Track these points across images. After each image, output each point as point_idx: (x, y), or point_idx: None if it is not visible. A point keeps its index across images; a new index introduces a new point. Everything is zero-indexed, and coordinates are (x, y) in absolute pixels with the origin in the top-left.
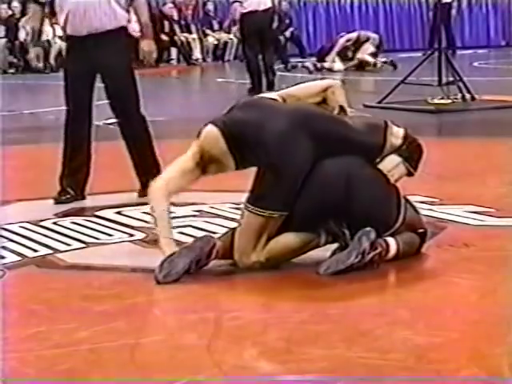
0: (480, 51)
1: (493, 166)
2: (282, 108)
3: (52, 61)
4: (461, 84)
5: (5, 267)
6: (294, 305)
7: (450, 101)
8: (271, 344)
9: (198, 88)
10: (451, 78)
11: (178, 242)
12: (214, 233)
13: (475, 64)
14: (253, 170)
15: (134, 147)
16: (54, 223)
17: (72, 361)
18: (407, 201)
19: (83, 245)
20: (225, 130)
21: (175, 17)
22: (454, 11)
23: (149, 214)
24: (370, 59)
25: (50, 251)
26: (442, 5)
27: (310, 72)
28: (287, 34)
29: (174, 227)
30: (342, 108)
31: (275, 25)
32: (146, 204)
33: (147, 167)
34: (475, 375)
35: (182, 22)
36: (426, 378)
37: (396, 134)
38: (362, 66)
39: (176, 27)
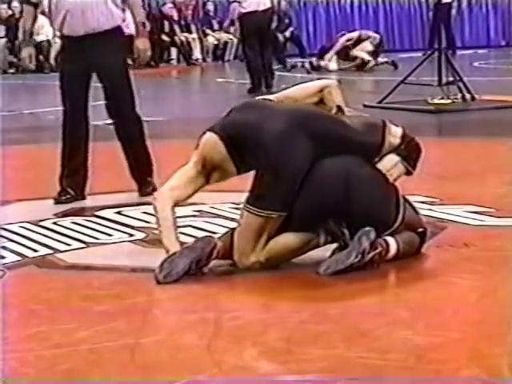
0: (480, 51)
1: (493, 166)
2: (280, 108)
3: (52, 61)
4: (461, 84)
5: (5, 267)
6: (293, 305)
7: (449, 101)
8: (271, 344)
9: (197, 88)
10: (451, 78)
11: (182, 243)
12: (214, 233)
13: (475, 64)
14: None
15: (130, 147)
16: (54, 223)
17: (72, 361)
18: (406, 200)
19: (83, 245)
20: (223, 133)
21: (175, 17)
22: (453, 11)
23: (149, 214)
24: (366, 57)
25: (50, 251)
26: (442, 5)
27: (309, 72)
28: (287, 33)
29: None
30: (339, 108)
31: (274, 25)
32: (146, 204)
33: (142, 167)
34: (475, 375)
35: (182, 22)
36: (425, 378)
37: (394, 134)
38: (361, 66)
39: (176, 27)
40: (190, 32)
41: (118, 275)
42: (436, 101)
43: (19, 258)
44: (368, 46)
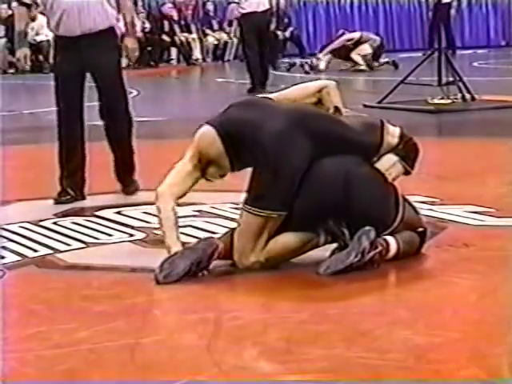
0: (480, 51)
1: (493, 166)
2: (279, 108)
3: (52, 61)
4: (461, 84)
5: (5, 267)
6: (293, 305)
7: (449, 101)
8: (271, 344)
9: (197, 88)
10: (451, 78)
11: (184, 243)
12: (214, 233)
13: (475, 64)
14: (249, 170)
15: (118, 147)
16: (54, 223)
17: (72, 361)
18: (406, 200)
19: (83, 245)
20: (221, 129)
21: (175, 17)
22: (453, 11)
23: (149, 214)
24: (361, 62)
25: (50, 251)
26: (442, 5)
27: (307, 72)
28: (287, 33)
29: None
30: (336, 108)
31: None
32: (146, 204)
33: (127, 167)
34: (475, 375)
35: (182, 22)
36: (425, 378)
37: (392, 134)
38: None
39: (176, 27)
40: (189, 32)
41: (118, 275)
42: (436, 101)
43: (19, 258)
44: (367, 48)
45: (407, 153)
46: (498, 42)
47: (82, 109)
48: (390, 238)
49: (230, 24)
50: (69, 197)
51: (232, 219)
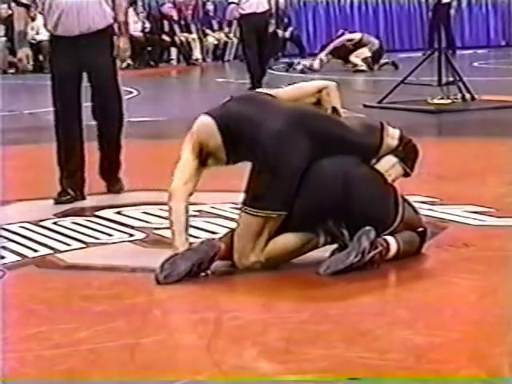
0: (480, 51)
1: (493, 166)
2: (279, 107)
3: (48, 60)
4: (461, 84)
5: (5, 267)
6: (293, 305)
7: (449, 101)
8: (271, 344)
9: (197, 88)
10: (451, 78)
11: (192, 243)
12: (214, 233)
13: (475, 64)
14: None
15: (108, 146)
16: (54, 223)
17: (72, 361)
18: (405, 200)
19: (83, 245)
20: (221, 122)
21: (175, 17)
22: (453, 11)
23: (149, 214)
24: (360, 63)
25: (50, 251)
26: (442, 5)
27: (304, 72)
28: (287, 33)
29: None
30: (334, 109)
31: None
32: (146, 204)
33: (114, 166)
34: (475, 375)
35: (182, 22)
36: (425, 378)
37: (392, 135)
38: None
39: (176, 27)
40: (189, 32)
41: (118, 275)
42: (436, 101)
43: (19, 258)
44: (366, 52)
45: (407, 154)
46: (498, 42)
47: (80, 109)
48: (390, 238)
49: (230, 24)
50: (69, 197)
51: (232, 219)
